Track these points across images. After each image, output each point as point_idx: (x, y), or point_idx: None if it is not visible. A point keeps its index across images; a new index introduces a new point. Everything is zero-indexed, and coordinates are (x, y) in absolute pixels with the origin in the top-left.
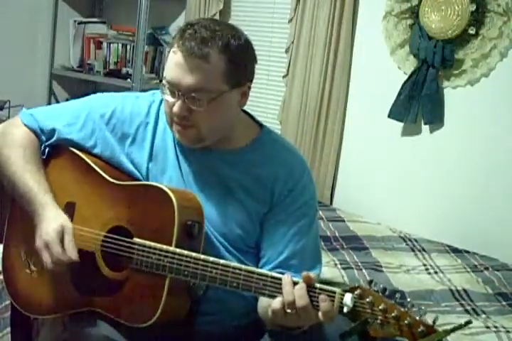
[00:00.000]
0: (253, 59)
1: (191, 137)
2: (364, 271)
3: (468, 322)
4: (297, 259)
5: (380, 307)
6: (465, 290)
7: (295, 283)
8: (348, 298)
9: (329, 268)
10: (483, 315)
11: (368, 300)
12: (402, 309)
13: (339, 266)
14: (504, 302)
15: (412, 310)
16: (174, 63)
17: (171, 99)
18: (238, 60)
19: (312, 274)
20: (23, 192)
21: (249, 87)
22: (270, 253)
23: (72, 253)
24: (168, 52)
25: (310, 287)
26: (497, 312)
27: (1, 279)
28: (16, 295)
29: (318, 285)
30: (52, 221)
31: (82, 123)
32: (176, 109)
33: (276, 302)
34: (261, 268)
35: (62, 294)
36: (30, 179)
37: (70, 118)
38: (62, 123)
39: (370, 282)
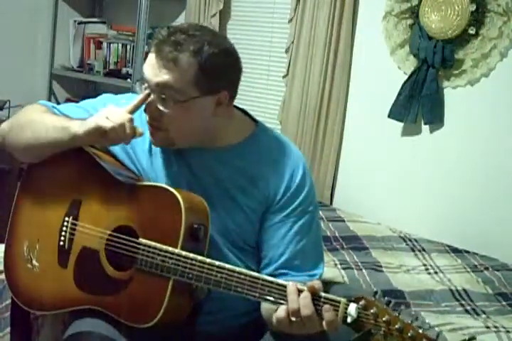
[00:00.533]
0: (232, 68)
1: (160, 139)
2: (364, 271)
3: (473, 339)
4: (299, 260)
5: (384, 318)
6: (465, 290)
7: (300, 291)
8: (352, 308)
9: (329, 268)
10: (483, 315)
11: (372, 311)
12: (406, 321)
13: (339, 266)
14: (504, 302)
15: (416, 323)
16: (147, 62)
17: None
18: (211, 66)
19: (317, 284)
20: (50, 131)
21: (230, 97)
22: (271, 255)
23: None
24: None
25: (315, 296)
26: (497, 312)
27: (1, 279)
28: (17, 291)
29: (323, 294)
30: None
31: (89, 114)
32: (147, 106)
33: (281, 311)
34: (263, 269)
35: (64, 291)
36: (50, 118)
37: (77, 109)
38: (70, 112)
39: (375, 293)
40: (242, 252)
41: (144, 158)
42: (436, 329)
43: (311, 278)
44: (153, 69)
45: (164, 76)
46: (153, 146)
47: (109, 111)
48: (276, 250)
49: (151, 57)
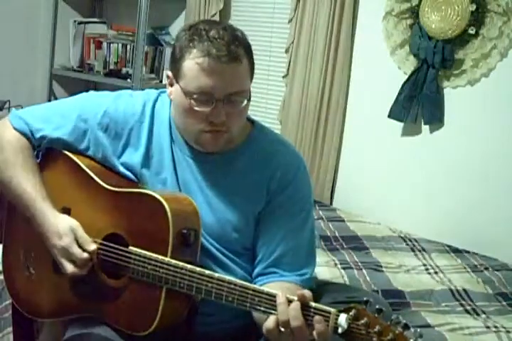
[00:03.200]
0: None
1: (223, 142)
2: (364, 271)
3: None
4: (289, 257)
5: (375, 329)
6: (465, 290)
7: (290, 301)
8: (342, 319)
9: (329, 268)
10: (483, 315)
11: (362, 321)
12: (398, 331)
13: (339, 266)
14: (504, 302)
15: (409, 332)
16: (204, 70)
17: (205, 109)
18: (252, 55)
19: (307, 293)
20: (20, 197)
21: None
22: (263, 252)
23: (91, 248)
24: (176, 58)
25: (305, 306)
26: (497, 312)
27: (1, 279)
28: (16, 297)
29: (313, 304)
30: (58, 226)
31: (73, 125)
32: (217, 117)
33: (270, 321)
34: (255, 267)
35: (61, 299)
36: (27, 185)
37: (60, 119)
38: (51, 126)
39: (366, 302)
40: (240, 257)
41: (137, 170)
42: (437, 329)
43: (301, 277)
44: (218, 76)
45: (234, 81)
46: (148, 153)
47: (74, 253)
48: (267, 247)
49: (207, 63)
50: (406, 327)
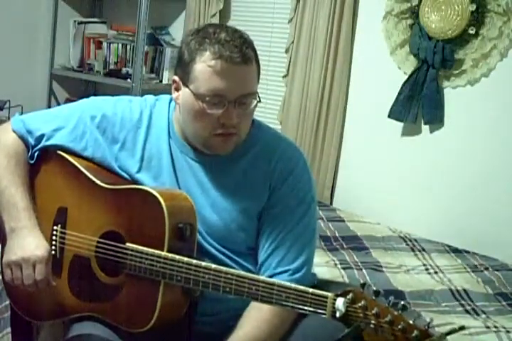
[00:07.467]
0: None
1: (233, 144)
2: (364, 271)
3: (462, 328)
4: (282, 251)
5: (373, 311)
6: (465, 290)
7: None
8: (340, 303)
9: (329, 268)
10: (483, 315)
11: (360, 304)
12: (396, 313)
13: (339, 266)
14: (504, 303)
15: (406, 313)
16: (217, 73)
17: (217, 111)
18: (258, 57)
19: None
20: (6, 204)
21: None
22: (261, 246)
23: (39, 278)
24: (184, 61)
25: (302, 292)
26: (497, 312)
27: (0, 279)
28: (15, 300)
29: (310, 290)
30: (35, 247)
31: (73, 126)
32: (229, 119)
33: None
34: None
35: (60, 300)
36: (15, 193)
37: (61, 121)
38: (51, 127)
39: (363, 285)
40: (245, 258)
41: (133, 174)
42: (437, 329)
43: (290, 277)
44: (231, 78)
45: (247, 82)
46: (144, 158)
47: (39, 261)
48: (264, 241)
49: (219, 65)
50: (404, 308)
